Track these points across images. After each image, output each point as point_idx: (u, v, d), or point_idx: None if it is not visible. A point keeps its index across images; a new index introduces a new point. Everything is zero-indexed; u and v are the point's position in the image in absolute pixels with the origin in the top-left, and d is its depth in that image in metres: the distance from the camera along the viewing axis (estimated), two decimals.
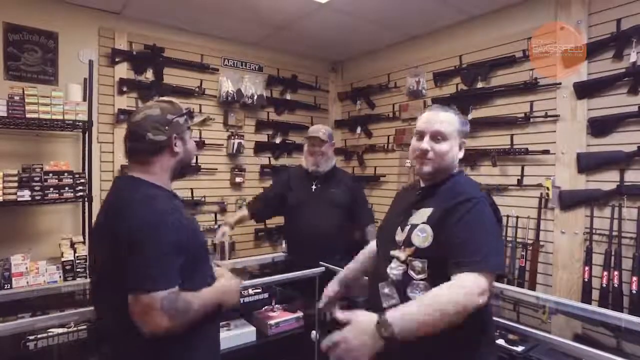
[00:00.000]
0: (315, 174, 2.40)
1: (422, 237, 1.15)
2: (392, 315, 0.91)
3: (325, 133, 2.41)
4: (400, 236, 1.21)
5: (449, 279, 1.02)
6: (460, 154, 1.26)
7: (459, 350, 1.10)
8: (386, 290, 1.20)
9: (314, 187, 2.42)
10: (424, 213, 1.18)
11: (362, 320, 0.91)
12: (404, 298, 1.14)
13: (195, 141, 1.29)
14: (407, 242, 1.17)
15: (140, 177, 1.14)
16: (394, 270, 1.18)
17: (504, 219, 2.52)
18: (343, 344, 0.88)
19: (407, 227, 1.19)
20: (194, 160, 1.29)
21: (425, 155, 1.22)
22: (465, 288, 0.97)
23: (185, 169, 1.26)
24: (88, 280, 2.22)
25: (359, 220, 2.51)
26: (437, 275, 1.08)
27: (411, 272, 1.15)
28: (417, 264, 1.14)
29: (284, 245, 3.43)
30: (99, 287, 1.16)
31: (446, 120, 1.23)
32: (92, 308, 1.57)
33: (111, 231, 1.05)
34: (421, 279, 1.13)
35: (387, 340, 0.87)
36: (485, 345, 1.17)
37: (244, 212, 2.53)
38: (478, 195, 1.14)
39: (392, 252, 1.20)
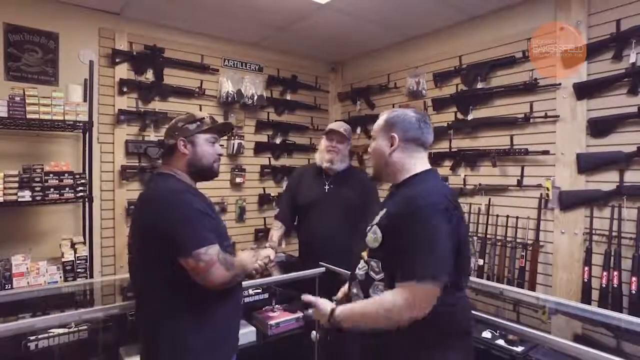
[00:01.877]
0: (329, 171, 2.28)
1: (373, 237, 1.20)
2: (341, 311, 1.15)
3: (346, 130, 2.30)
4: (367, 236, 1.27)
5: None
6: (391, 149, 1.26)
7: (416, 349, 1.13)
8: (355, 290, 1.28)
9: (326, 187, 2.29)
10: (380, 213, 1.23)
11: (322, 308, 1.20)
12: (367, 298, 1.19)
13: None
14: (366, 242, 1.25)
15: (165, 171, 1.36)
16: (360, 270, 1.26)
17: (504, 219, 2.53)
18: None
19: (369, 227, 1.25)
20: (213, 164, 1.43)
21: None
22: (395, 306, 1.05)
23: (200, 170, 1.39)
24: (89, 280, 2.23)
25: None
26: (390, 277, 1.13)
27: (371, 273, 1.21)
28: (374, 264, 1.20)
29: (283, 245, 3.42)
30: (138, 266, 1.32)
31: (376, 124, 1.35)
32: (95, 307, 1.60)
33: (144, 214, 1.27)
34: (379, 280, 1.18)
35: (333, 326, 1.16)
36: (446, 346, 1.15)
37: (278, 229, 2.31)
38: (427, 201, 1.11)
39: (362, 253, 1.27)
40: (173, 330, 1.24)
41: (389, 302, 1.07)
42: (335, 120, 2.60)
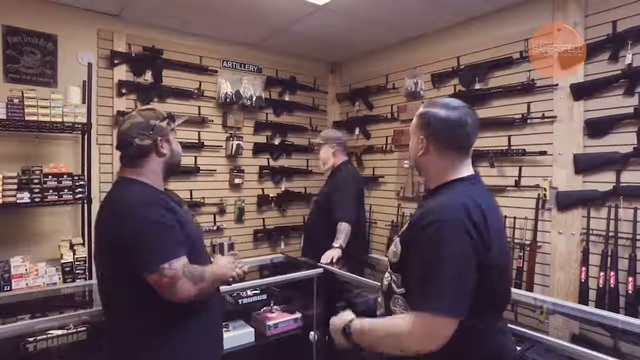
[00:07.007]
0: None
1: (393, 251, 1.12)
2: (355, 325, 1.12)
3: (322, 137, 2.66)
4: None
5: None
6: (420, 152, 1.13)
7: None
8: (379, 299, 1.21)
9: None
10: (405, 226, 1.14)
11: (338, 319, 1.19)
12: (387, 310, 1.13)
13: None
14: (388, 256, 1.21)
15: (133, 177, 1.27)
16: (385, 280, 1.18)
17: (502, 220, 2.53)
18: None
19: (394, 240, 1.17)
20: (182, 160, 1.46)
21: None
22: (401, 331, 0.98)
23: (174, 169, 1.38)
24: (88, 281, 2.23)
25: (333, 216, 2.41)
26: (410, 292, 1.04)
27: (393, 285, 1.12)
28: (395, 277, 1.12)
29: (282, 245, 3.62)
30: (106, 279, 1.26)
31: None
32: (91, 310, 1.60)
33: (110, 229, 1.18)
34: (400, 294, 1.09)
35: (346, 336, 1.14)
36: None
37: None
38: (439, 217, 0.98)
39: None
40: (144, 348, 1.18)
41: (397, 325, 1.00)
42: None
